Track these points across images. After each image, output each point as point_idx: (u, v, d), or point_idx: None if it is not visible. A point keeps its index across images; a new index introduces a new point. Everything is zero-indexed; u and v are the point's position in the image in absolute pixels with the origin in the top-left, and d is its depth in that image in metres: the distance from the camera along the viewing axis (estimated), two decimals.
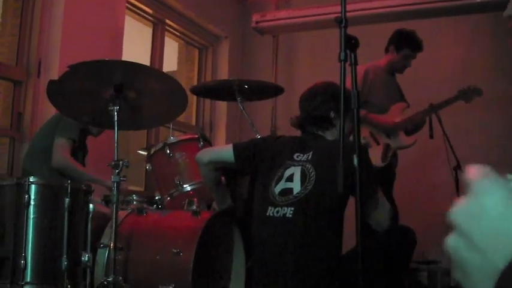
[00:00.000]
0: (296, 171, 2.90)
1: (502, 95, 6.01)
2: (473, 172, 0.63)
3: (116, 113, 2.93)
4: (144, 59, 6.47)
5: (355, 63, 2.19)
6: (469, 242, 0.60)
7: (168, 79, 3.11)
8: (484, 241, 0.59)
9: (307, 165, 2.89)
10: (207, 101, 7.23)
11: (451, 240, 0.62)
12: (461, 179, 0.67)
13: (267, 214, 2.90)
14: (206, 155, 3.25)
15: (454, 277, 0.62)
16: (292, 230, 2.82)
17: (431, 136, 4.87)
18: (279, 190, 2.91)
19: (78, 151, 4.24)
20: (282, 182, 2.92)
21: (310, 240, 2.81)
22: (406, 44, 4.93)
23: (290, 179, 2.90)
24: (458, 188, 4.81)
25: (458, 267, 0.61)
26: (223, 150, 3.35)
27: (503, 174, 0.64)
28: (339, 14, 2.27)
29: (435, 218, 5.26)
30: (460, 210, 0.62)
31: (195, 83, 7.37)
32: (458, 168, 4.83)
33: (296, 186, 2.86)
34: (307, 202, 2.81)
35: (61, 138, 4.03)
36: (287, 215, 2.83)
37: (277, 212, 2.87)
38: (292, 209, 2.82)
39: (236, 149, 3.13)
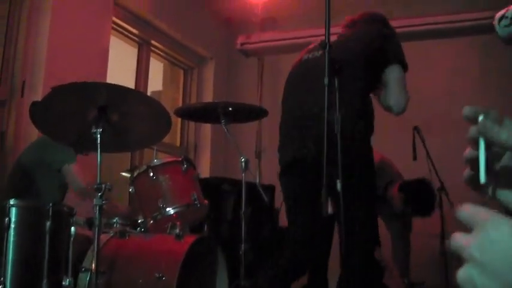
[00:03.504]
0: None
1: None
2: (477, 211, 0.77)
3: (99, 136, 2.90)
4: (129, 79, 6.45)
5: (339, 88, 2.19)
6: (483, 270, 0.71)
7: (152, 102, 3.10)
8: (499, 267, 0.70)
9: None
10: (192, 123, 7.22)
11: (465, 272, 0.72)
12: (456, 216, 0.77)
13: None
14: None
15: None
16: None
17: (414, 158, 4.88)
18: None
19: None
20: None
21: None
22: None
23: None
24: (442, 209, 4.82)
25: None
26: None
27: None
28: (324, 37, 2.28)
29: (417, 240, 5.29)
30: (473, 245, 0.73)
31: (180, 103, 7.37)
32: (442, 189, 4.84)
33: None
34: None
35: (72, 165, 4.08)
36: None
37: None
38: None
39: None
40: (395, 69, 3.42)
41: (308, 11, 6.58)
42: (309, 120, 3.38)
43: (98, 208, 2.88)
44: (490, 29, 5.86)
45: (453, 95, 6.12)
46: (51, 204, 3.04)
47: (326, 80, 2.15)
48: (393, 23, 6.00)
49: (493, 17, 5.72)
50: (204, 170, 7.05)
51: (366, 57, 3.37)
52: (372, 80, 3.45)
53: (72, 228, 3.09)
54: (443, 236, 4.77)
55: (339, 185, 2.06)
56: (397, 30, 5.97)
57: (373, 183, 3.52)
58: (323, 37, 2.31)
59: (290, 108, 3.68)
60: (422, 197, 4.71)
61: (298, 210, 3.53)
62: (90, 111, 2.97)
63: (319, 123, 2.46)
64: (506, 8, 1.97)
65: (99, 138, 2.90)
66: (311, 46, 3.63)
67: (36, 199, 3.90)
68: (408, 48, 6.32)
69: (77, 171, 4.11)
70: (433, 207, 4.72)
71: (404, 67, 3.49)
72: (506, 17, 1.92)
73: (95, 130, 2.92)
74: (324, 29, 2.32)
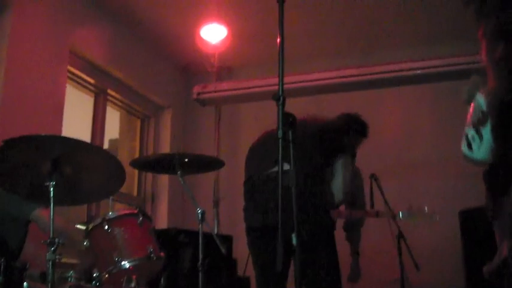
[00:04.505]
0: None
1: (445, 160, 6.14)
2: None
3: (52, 189, 2.86)
4: (86, 128, 6.40)
5: (292, 141, 2.20)
6: None
7: (107, 154, 3.07)
8: None
9: None
10: (149, 173, 7.17)
11: None
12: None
13: None
14: None
15: None
16: None
17: (372, 205, 4.90)
18: None
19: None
20: None
21: None
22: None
23: None
24: (401, 255, 4.83)
25: None
26: None
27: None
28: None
29: (379, 285, 5.29)
30: None
31: (137, 152, 7.33)
32: (400, 236, 4.85)
33: None
34: None
35: (39, 208, 3.94)
36: None
37: None
38: None
39: None
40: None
41: (263, 60, 6.67)
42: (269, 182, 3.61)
43: (51, 263, 2.82)
44: (443, 76, 6.04)
45: (408, 140, 6.21)
46: (2, 259, 2.97)
47: (280, 133, 2.15)
48: (350, 72, 6.16)
49: (445, 65, 5.89)
50: (162, 220, 6.98)
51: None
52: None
53: (25, 284, 3.02)
54: (403, 282, 4.77)
55: (294, 239, 2.04)
56: (354, 78, 6.13)
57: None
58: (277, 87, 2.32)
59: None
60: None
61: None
62: (43, 164, 2.93)
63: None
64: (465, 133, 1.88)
65: (52, 192, 2.86)
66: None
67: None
68: (365, 96, 6.46)
69: (47, 213, 3.95)
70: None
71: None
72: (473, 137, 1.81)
73: (48, 183, 2.88)
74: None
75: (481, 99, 1.74)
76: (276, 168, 3.30)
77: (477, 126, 1.62)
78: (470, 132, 1.69)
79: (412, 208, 4.82)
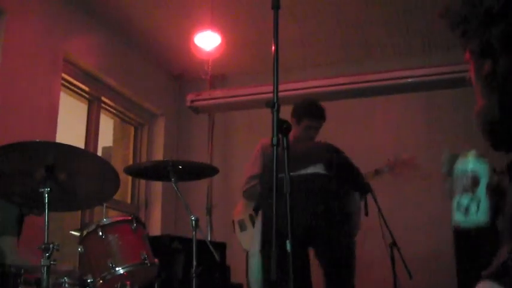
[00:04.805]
0: None
1: (437, 168, 6.16)
2: None
3: (46, 195, 2.87)
4: (80, 135, 6.41)
5: (287, 147, 2.21)
6: None
7: (101, 161, 3.09)
8: None
9: None
10: (143, 180, 7.17)
11: None
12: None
13: None
14: None
15: None
16: None
17: (366, 213, 4.91)
18: None
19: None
20: None
21: None
22: (304, 114, 4.76)
23: None
24: (394, 264, 4.84)
25: None
26: None
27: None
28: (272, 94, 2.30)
29: None
30: None
31: (130, 159, 7.33)
32: (394, 245, 4.87)
33: None
34: None
35: (9, 237, 3.92)
36: None
37: None
38: None
39: None
40: None
41: (257, 68, 6.70)
42: None
43: (45, 269, 2.83)
44: (435, 84, 6.08)
45: (401, 148, 6.23)
46: None
47: (275, 140, 2.17)
48: (343, 80, 6.19)
49: (437, 73, 5.93)
50: (155, 227, 6.98)
51: None
52: None
53: None
54: None
55: (288, 246, 2.05)
56: (347, 86, 6.16)
57: None
58: (271, 94, 2.33)
59: None
60: None
61: None
62: (37, 170, 2.94)
63: None
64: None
65: (46, 198, 2.87)
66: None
67: None
68: (358, 104, 6.50)
69: (13, 246, 3.93)
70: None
71: None
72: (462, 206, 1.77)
73: (42, 189, 2.89)
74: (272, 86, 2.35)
75: (464, 164, 1.75)
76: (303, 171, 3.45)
77: (470, 190, 1.62)
78: (465, 200, 1.67)
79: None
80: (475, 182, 1.64)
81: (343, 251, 4.46)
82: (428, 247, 6.10)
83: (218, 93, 6.82)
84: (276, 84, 2.35)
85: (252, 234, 4.85)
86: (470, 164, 1.74)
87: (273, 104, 2.24)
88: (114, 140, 7.71)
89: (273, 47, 2.44)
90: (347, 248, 4.50)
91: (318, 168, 4.48)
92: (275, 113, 2.22)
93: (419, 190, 6.12)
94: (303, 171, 4.41)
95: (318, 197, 4.36)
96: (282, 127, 2.20)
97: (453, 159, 1.80)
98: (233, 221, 5.17)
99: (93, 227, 3.56)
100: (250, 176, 4.85)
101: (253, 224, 4.92)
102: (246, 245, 4.97)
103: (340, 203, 4.54)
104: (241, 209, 5.15)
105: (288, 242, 2.08)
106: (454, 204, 1.65)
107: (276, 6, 2.47)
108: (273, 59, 2.40)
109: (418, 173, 5.07)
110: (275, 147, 2.15)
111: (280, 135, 2.21)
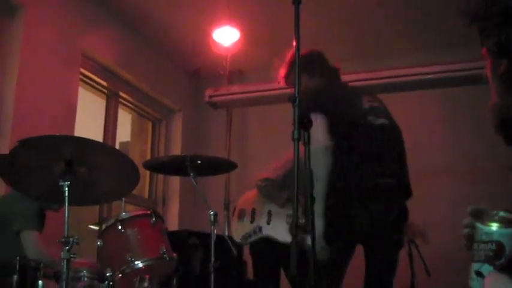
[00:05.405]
0: None
1: (454, 166, 6.15)
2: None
3: (66, 189, 2.88)
4: (98, 131, 6.43)
5: (308, 142, 2.20)
6: None
7: (120, 155, 3.09)
8: None
9: None
10: (160, 175, 7.18)
11: None
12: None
13: None
14: None
15: None
16: None
17: None
18: None
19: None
20: None
21: None
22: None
23: None
24: (412, 261, 4.81)
25: None
26: None
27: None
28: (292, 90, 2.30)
29: None
30: None
31: (148, 155, 7.35)
32: (411, 242, 4.84)
33: None
34: None
35: (31, 232, 3.96)
36: None
37: None
38: None
39: None
40: None
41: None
42: None
43: (65, 262, 2.84)
44: (451, 81, 6.03)
45: (415, 146, 6.20)
46: (17, 258, 3.00)
47: (296, 134, 2.16)
48: (359, 76, 6.14)
49: (454, 70, 5.88)
50: (173, 222, 6.99)
51: None
52: None
53: (40, 282, 3.04)
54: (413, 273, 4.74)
55: (309, 241, 2.04)
56: (363, 83, 6.12)
57: None
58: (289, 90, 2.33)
59: None
60: None
61: None
62: (57, 164, 2.95)
63: None
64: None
65: (66, 192, 2.88)
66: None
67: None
68: None
69: (35, 240, 3.95)
70: None
71: None
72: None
73: (62, 183, 2.90)
74: None
75: (490, 229, 1.61)
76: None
77: (492, 262, 1.52)
78: (486, 270, 1.56)
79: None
80: (499, 252, 1.53)
81: (392, 265, 3.74)
82: (446, 244, 6.05)
83: (236, 88, 6.82)
84: (298, 78, 2.34)
85: (247, 227, 4.74)
86: (497, 231, 1.58)
87: (294, 99, 2.22)
88: (132, 135, 7.73)
89: (294, 43, 2.43)
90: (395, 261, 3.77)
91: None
92: (296, 108, 2.21)
93: (434, 186, 6.09)
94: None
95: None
96: (303, 121, 2.19)
97: (477, 213, 1.68)
98: (235, 207, 5.09)
99: (112, 221, 3.58)
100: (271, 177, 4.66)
101: (252, 218, 4.81)
102: (236, 235, 4.80)
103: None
104: (248, 199, 4.99)
105: (308, 237, 2.06)
106: (473, 271, 1.56)
107: (297, 1, 2.45)
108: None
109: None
110: (296, 141, 2.14)
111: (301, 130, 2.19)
